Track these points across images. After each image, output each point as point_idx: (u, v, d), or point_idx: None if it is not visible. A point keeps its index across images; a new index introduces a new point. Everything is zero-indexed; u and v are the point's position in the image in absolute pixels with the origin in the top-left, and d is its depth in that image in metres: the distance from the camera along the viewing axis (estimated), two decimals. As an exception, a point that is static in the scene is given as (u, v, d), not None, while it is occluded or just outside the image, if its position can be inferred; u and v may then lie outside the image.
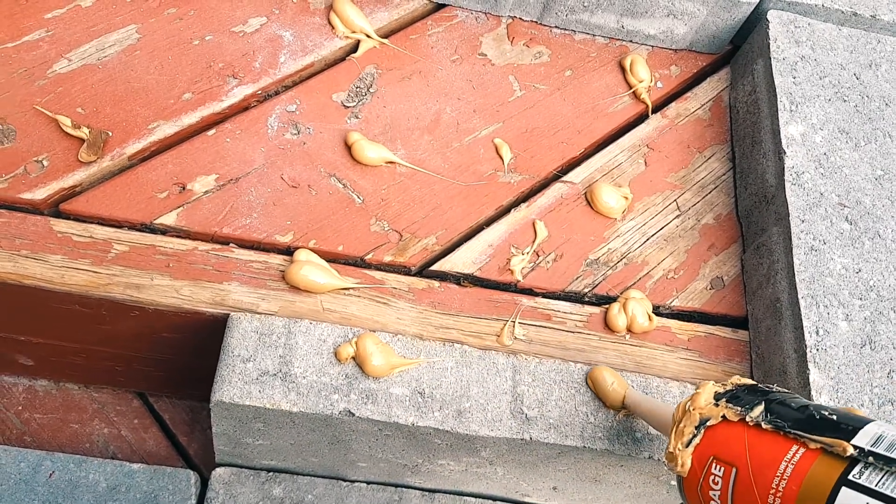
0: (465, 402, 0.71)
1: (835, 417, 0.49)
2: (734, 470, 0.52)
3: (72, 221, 0.71)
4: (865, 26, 0.91)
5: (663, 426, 0.63)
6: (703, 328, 0.79)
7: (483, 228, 0.80)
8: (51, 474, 0.82)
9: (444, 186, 0.81)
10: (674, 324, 0.78)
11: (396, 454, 0.77)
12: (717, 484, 0.53)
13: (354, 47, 0.86)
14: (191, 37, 0.81)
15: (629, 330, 0.77)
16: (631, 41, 0.94)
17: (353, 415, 0.68)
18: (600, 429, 0.72)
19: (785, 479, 0.49)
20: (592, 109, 0.89)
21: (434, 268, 0.77)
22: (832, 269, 0.75)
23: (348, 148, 0.79)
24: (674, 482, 0.73)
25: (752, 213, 0.83)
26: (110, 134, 0.74)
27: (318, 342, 0.70)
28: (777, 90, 0.83)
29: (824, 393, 0.69)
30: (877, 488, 0.45)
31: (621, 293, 0.79)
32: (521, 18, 0.92)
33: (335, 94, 0.82)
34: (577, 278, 0.79)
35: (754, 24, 0.91)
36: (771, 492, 0.49)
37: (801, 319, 0.72)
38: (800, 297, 0.73)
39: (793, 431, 0.50)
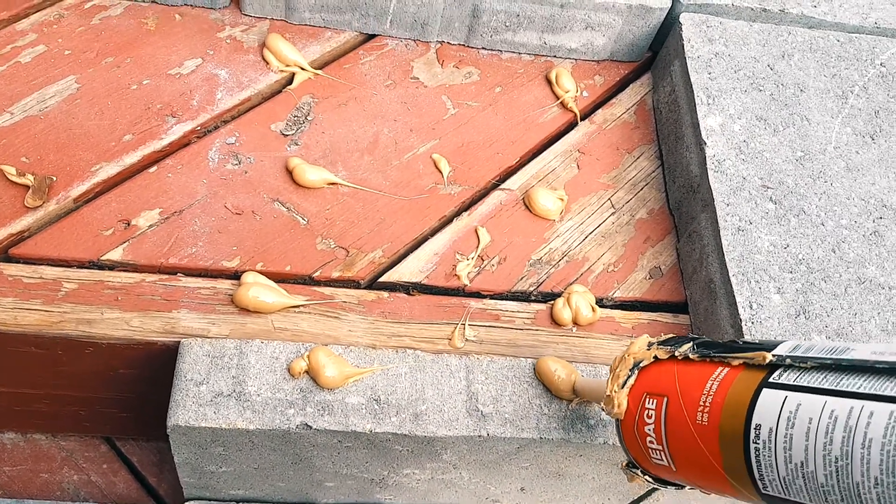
0: (422, 405, 0.72)
1: (757, 342, 0.52)
2: (665, 399, 0.54)
3: (21, 265, 0.73)
4: (775, 21, 0.96)
5: (595, 397, 0.66)
6: (645, 315, 0.81)
7: (428, 239, 0.82)
8: (19, 524, 0.82)
9: (387, 202, 0.83)
10: (617, 314, 0.81)
11: (360, 468, 0.78)
12: (650, 417, 0.55)
13: (290, 80, 0.89)
14: (129, 82, 0.84)
15: (575, 323, 0.79)
16: (555, 56, 0.98)
17: (311, 427, 0.69)
18: (555, 419, 0.74)
19: (711, 395, 0.51)
20: (524, 121, 0.93)
21: (382, 279, 0.79)
22: (760, 246, 0.78)
23: (289, 173, 0.82)
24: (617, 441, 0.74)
25: (682, 204, 0.87)
26: (55, 179, 0.76)
27: (270, 360, 0.72)
28: (693, 86, 0.87)
29: (762, 362, 0.72)
30: (794, 383, 0.47)
31: (565, 289, 0.81)
32: (448, 42, 0.96)
33: (274, 125, 0.85)
34: (521, 278, 0.82)
35: (669, 28, 0.96)
36: (699, 409, 0.51)
37: (734, 296, 0.75)
38: (731, 275, 0.76)
39: (718, 355, 0.53)
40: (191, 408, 0.68)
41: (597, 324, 0.80)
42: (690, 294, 0.83)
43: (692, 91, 0.87)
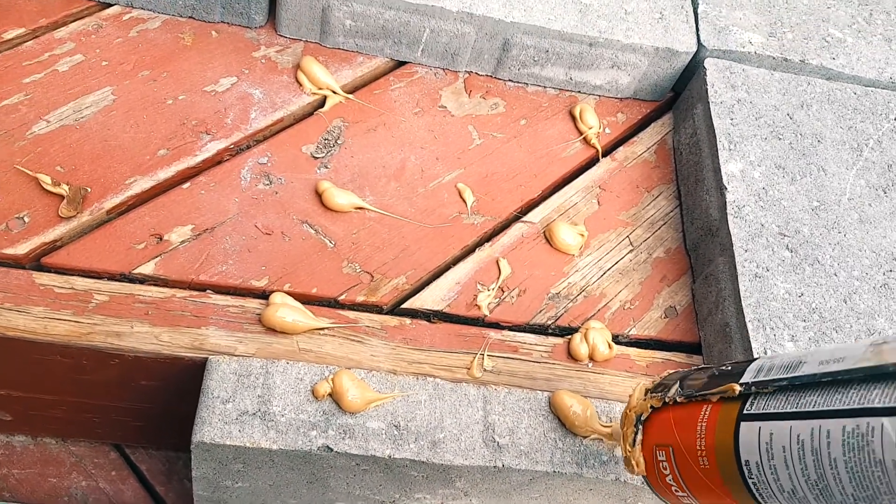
0: (440, 433, 0.74)
1: (729, 368, 0.54)
2: (670, 449, 0.56)
3: (53, 274, 0.74)
4: (796, 70, 0.99)
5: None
6: (660, 354, 0.83)
7: (450, 267, 0.84)
8: (30, 528, 0.82)
9: (412, 229, 0.85)
10: (633, 351, 0.83)
11: (374, 490, 0.79)
12: (666, 469, 0.57)
13: (321, 103, 0.90)
14: (164, 97, 0.85)
15: (591, 358, 0.81)
16: (579, 91, 1.00)
17: (332, 450, 0.71)
18: (568, 453, 0.75)
19: (703, 437, 0.52)
20: (547, 155, 0.94)
21: (405, 306, 0.80)
22: (776, 293, 0.80)
23: (319, 196, 0.83)
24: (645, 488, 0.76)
25: (699, 246, 0.89)
26: (89, 190, 0.77)
27: (295, 381, 0.73)
28: (716, 131, 0.90)
29: (775, 408, 0.73)
30: (763, 411, 0.48)
31: (582, 324, 0.83)
32: (476, 73, 0.98)
33: (305, 147, 0.87)
34: (540, 311, 0.83)
35: (693, 71, 0.98)
36: (698, 453, 0.53)
37: (749, 342, 0.77)
38: (747, 320, 0.78)
39: (699, 394, 0.54)
40: (216, 425, 0.69)
41: (612, 360, 0.81)
42: (704, 336, 0.84)
43: (715, 136, 0.89)
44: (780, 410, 0.47)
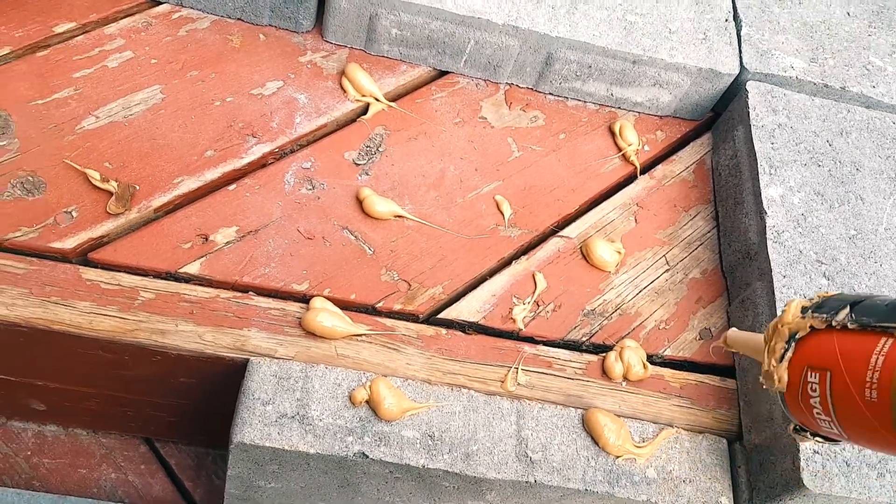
0: (473, 445, 0.74)
1: None
2: (828, 374, 0.53)
3: (100, 270, 0.75)
4: (836, 97, 0.99)
5: (759, 353, 0.64)
6: (693, 376, 0.83)
7: (486, 279, 0.85)
8: (61, 518, 0.83)
9: (450, 239, 0.85)
10: (667, 372, 0.83)
11: (404, 498, 0.80)
12: (814, 391, 0.54)
13: (364, 110, 0.91)
14: (212, 98, 0.86)
15: (625, 377, 0.81)
16: (619, 107, 1.00)
17: (367, 456, 0.71)
18: (601, 472, 0.76)
19: (878, 371, 0.49)
20: (585, 170, 0.95)
21: (441, 316, 0.81)
22: (812, 320, 0.80)
23: (360, 202, 0.84)
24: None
25: (736, 269, 0.89)
26: (137, 188, 0.78)
27: (333, 386, 0.74)
28: (757, 155, 0.90)
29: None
30: None
31: (617, 342, 0.83)
32: (517, 85, 0.99)
33: (347, 153, 0.88)
34: (575, 327, 0.84)
35: (734, 93, 0.98)
36: (866, 385, 0.50)
37: (785, 367, 0.77)
38: (783, 346, 0.78)
39: (879, 325, 0.51)
40: (256, 426, 0.70)
41: (646, 380, 0.82)
42: (739, 359, 0.85)
43: (756, 160, 0.90)
44: None
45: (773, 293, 0.81)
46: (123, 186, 0.78)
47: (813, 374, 0.54)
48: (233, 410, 0.82)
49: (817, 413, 0.54)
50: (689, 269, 0.91)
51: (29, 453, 0.94)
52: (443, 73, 0.97)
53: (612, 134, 0.98)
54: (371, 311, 0.80)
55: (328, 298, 0.78)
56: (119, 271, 0.75)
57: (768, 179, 0.89)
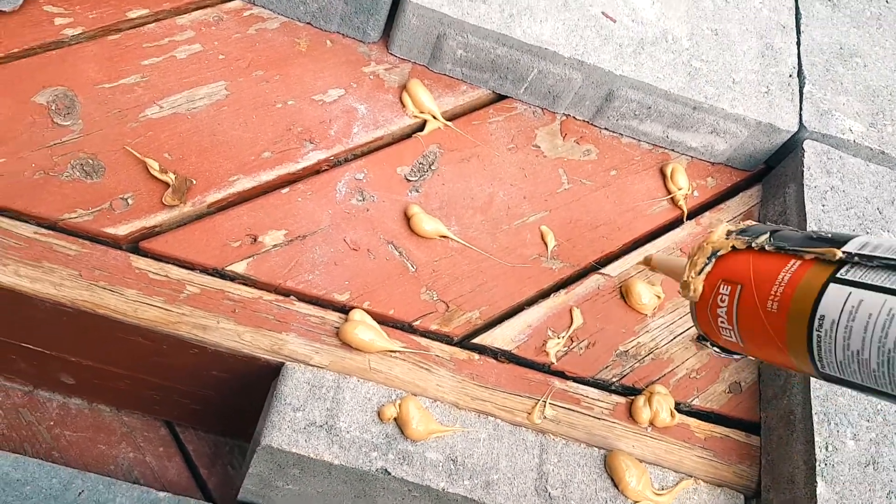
0: (494, 474, 0.75)
1: (829, 235, 0.56)
2: (739, 287, 0.59)
3: (150, 259, 0.76)
4: (891, 165, 0.98)
5: (680, 274, 0.69)
6: (719, 429, 0.83)
7: (524, 309, 0.85)
8: (80, 493, 0.85)
9: (491, 265, 0.86)
10: (692, 422, 0.83)
11: (417, 515, 0.81)
12: (723, 302, 0.60)
13: (421, 126, 0.92)
14: (275, 100, 0.87)
15: (651, 423, 0.81)
16: (673, 150, 1.00)
17: (389, 473, 0.72)
18: (617, 515, 0.76)
19: (782, 286, 0.55)
20: (633, 209, 0.95)
21: (475, 340, 0.82)
22: (844, 390, 0.80)
23: (407, 219, 0.85)
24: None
25: (773, 326, 0.89)
26: (194, 182, 0.80)
27: (363, 400, 0.74)
28: (807, 215, 0.89)
29: (831, 507, 0.74)
30: (860, 280, 0.52)
31: (646, 386, 0.84)
32: (574, 117, 0.99)
33: (400, 168, 0.88)
34: (606, 367, 0.84)
35: (789, 149, 0.98)
36: (770, 297, 0.56)
37: (812, 434, 0.77)
38: (813, 412, 0.78)
39: (792, 248, 0.57)
40: (285, 432, 0.71)
41: (672, 428, 0.82)
42: (766, 418, 0.85)
43: (805, 219, 0.89)
44: (879, 284, 0.51)
45: (810, 358, 0.81)
46: (181, 179, 0.79)
47: (725, 287, 0.61)
48: (257, 407, 0.83)
49: (721, 322, 0.61)
50: (725, 320, 0.91)
51: (52, 423, 0.96)
52: (502, 98, 0.98)
53: (663, 176, 0.98)
54: (407, 328, 0.81)
55: (367, 311, 0.79)
56: (168, 263, 0.76)
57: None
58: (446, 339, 0.82)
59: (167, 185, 0.79)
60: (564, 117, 0.99)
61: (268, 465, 0.76)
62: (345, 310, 0.79)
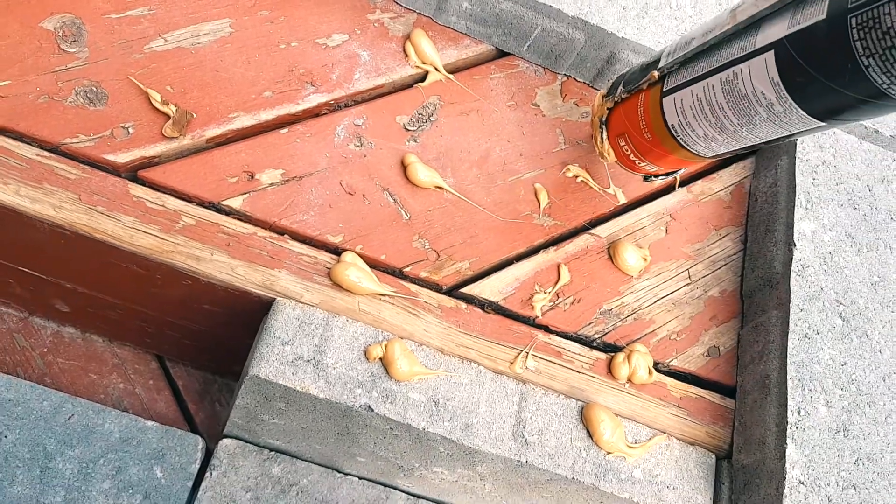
0: (474, 417, 0.77)
1: (651, 61, 0.76)
2: (626, 135, 0.79)
3: (147, 188, 0.77)
4: (884, 144, 0.99)
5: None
6: (694, 390, 0.86)
7: (513, 263, 0.86)
8: (70, 416, 0.87)
9: (484, 218, 0.87)
10: (669, 381, 0.85)
11: (397, 455, 0.83)
12: (627, 151, 0.80)
13: (422, 77, 0.93)
14: (278, 40, 0.88)
15: (629, 380, 0.83)
16: (670, 117, 1.01)
17: (372, 410, 0.74)
18: (590, 464, 0.78)
19: (643, 118, 0.75)
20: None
21: (463, 290, 0.83)
22: (821, 357, 0.82)
23: (404, 168, 0.86)
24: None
25: (755, 294, 0.91)
26: (195, 115, 0.81)
27: (351, 339, 0.76)
28: (797, 188, 0.91)
29: (797, 467, 0.76)
30: (674, 86, 0.71)
31: (627, 345, 0.86)
32: (575, 79, 1.00)
33: (399, 117, 0.89)
34: (589, 324, 0.86)
35: (785, 123, 0.99)
36: (642, 130, 0.76)
37: (786, 398, 0.79)
38: (788, 377, 0.80)
39: (635, 87, 0.76)
40: (273, 364, 0.73)
41: (648, 386, 0.84)
42: (742, 382, 0.87)
43: (794, 192, 0.91)
44: (683, 81, 0.69)
45: (788, 324, 0.83)
46: (181, 112, 0.80)
47: (621, 140, 0.80)
48: (247, 345, 0.85)
49: (637, 163, 0.81)
50: (709, 286, 0.93)
51: (45, 350, 0.98)
52: (504, 54, 0.98)
53: (658, 142, 0.99)
54: (398, 273, 0.82)
55: (359, 255, 0.80)
56: (165, 193, 0.77)
57: (803, 213, 0.90)
58: (435, 287, 0.83)
59: (168, 116, 0.80)
60: (565, 78, 1.00)
61: (255, 398, 0.78)
62: (337, 251, 0.80)
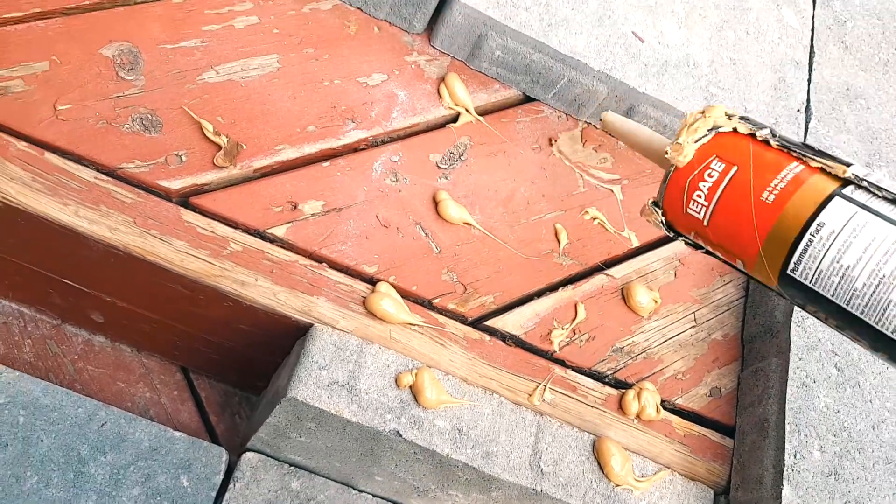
0: (494, 446, 0.82)
1: (832, 153, 0.57)
2: (734, 168, 0.58)
3: (198, 214, 0.81)
4: (880, 203, 1.06)
5: (646, 146, 0.68)
6: (697, 428, 0.91)
7: (533, 298, 0.92)
8: (103, 424, 0.90)
9: (508, 254, 0.93)
10: (675, 419, 0.91)
11: (416, 477, 0.88)
12: (711, 177, 0.59)
13: (454, 118, 0.98)
14: (322, 77, 0.93)
15: (638, 416, 0.89)
16: (683, 166, 1.07)
17: (401, 435, 0.79)
18: (600, 496, 0.83)
19: (784, 182, 0.56)
20: (640, 218, 1.02)
21: (488, 323, 0.88)
22: (816, 405, 0.88)
23: (435, 203, 0.91)
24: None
25: (756, 341, 0.97)
26: (244, 146, 0.85)
27: (383, 366, 0.81)
28: (800, 242, 0.97)
29: (792, 507, 0.82)
30: (866, 203, 0.53)
31: (636, 382, 0.91)
32: (594, 126, 1.05)
33: (432, 155, 0.94)
34: (602, 360, 0.91)
35: (789, 179, 1.05)
36: (768, 188, 0.56)
37: (783, 441, 0.85)
38: (786, 422, 0.86)
39: (797, 151, 0.57)
40: (310, 387, 0.77)
41: (656, 422, 0.89)
42: (740, 423, 0.92)
43: (797, 246, 0.97)
44: (886, 214, 0.52)
45: (787, 372, 0.88)
46: (232, 143, 0.85)
47: (718, 163, 0.59)
48: (274, 363, 0.90)
49: (697, 196, 0.60)
50: (713, 329, 0.98)
51: (76, 357, 1.01)
52: (531, 100, 1.04)
53: (670, 190, 1.05)
54: (427, 304, 0.87)
55: (392, 285, 0.85)
56: (214, 220, 0.82)
57: (805, 267, 0.96)
58: (461, 319, 0.88)
59: (219, 147, 0.84)
60: (586, 125, 1.05)
61: (287, 417, 0.82)
62: (372, 281, 0.85)
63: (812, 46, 1.14)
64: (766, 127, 0.60)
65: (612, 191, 1.02)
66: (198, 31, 0.91)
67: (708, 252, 0.63)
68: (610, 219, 1.00)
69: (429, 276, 0.88)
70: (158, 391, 1.03)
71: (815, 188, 0.55)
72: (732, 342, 0.99)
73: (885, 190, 0.54)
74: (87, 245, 0.79)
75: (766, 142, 0.59)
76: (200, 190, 0.83)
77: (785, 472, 0.83)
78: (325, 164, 0.89)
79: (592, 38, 0.99)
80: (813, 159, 0.56)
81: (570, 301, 0.93)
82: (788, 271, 0.55)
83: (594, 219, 0.99)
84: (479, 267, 0.91)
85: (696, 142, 0.60)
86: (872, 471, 0.87)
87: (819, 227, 0.53)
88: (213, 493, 0.91)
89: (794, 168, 0.56)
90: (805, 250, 0.53)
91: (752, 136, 0.60)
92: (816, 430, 0.87)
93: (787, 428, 0.85)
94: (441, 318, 0.87)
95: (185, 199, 0.82)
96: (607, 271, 0.97)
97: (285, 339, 0.85)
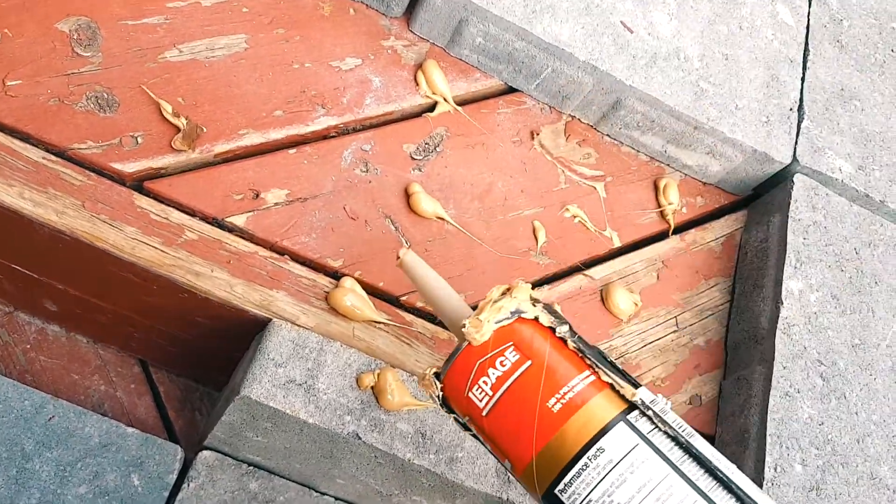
0: (459, 452, 0.78)
1: (621, 369, 0.57)
2: (528, 362, 0.56)
3: (152, 200, 0.77)
4: (873, 208, 1.02)
5: (443, 306, 0.66)
6: (675, 438, 0.87)
7: (507, 299, 0.87)
8: (51, 418, 0.86)
9: (482, 252, 0.88)
10: (652, 428, 0.87)
11: (378, 481, 0.83)
12: (503, 366, 0.56)
13: (431, 107, 0.94)
14: (292, 60, 0.88)
15: (613, 423, 0.84)
16: (669, 165, 1.03)
17: (360, 438, 0.75)
18: (569, 505, 0.79)
19: (573, 392, 0.54)
20: (623, 217, 0.98)
21: (457, 323, 0.84)
22: (800, 416, 0.84)
23: (407, 196, 0.87)
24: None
25: (740, 348, 0.93)
26: (205, 129, 0.81)
27: (344, 365, 0.77)
28: (788, 246, 0.93)
29: (771, 524, 0.78)
30: (649, 437, 0.52)
31: (613, 388, 0.87)
32: (579, 119, 1.01)
33: (406, 145, 0.90)
34: (577, 365, 0.87)
35: (779, 180, 1.01)
36: (556, 396, 0.54)
37: (764, 453, 0.81)
38: (767, 433, 0.82)
39: (591, 359, 0.56)
40: (265, 385, 0.73)
41: (631, 431, 0.85)
42: (721, 433, 0.88)
43: (785, 250, 0.93)
44: (666, 454, 0.52)
45: (771, 381, 0.85)
46: (192, 125, 0.80)
47: (514, 353, 0.57)
48: (234, 357, 0.85)
49: (483, 382, 0.57)
50: (695, 335, 0.94)
51: (28, 346, 0.97)
52: (513, 90, 1.00)
53: (656, 189, 1.01)
54: (394, 302, 0.83)
55: (358, 280, 0.81)
56: (170, 206, 0.77)
57: (792, 272, 0.92)
58: (430, 318, 0.84)
59: (178, 129, 0.80)
60: (570, 118, 1.01)
61: (241, 415, 0.78)
62: (336, 276, 0.81)
63: (807, 44, 1.10)
64: (566, 323, 0.58)
65: (595, 188, 0.98)
66: (161, 8, 0.86)
67: (475, 438, 0.60)
68: (591, 217, 0.96)
69: (398, 272, 0.83)
70: (115, 384, 0.98)
71: (601, 408, 0.54)
72: (716, 348, 0.95)
73: (668, 424, 0.53)
74: (32, 229, 0.75)
75: (563, 340, 0.57)
76: (156, 174, 0.78)
77: (764, 487, 0.79)
78: (292, 151, 0.84)
79: (578, 27, 0.94)
80: (605, 372, 0.55)
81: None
82: (556, 490, 0.52)
83: (575, 217, 0.95)
84: (451, 264, 0.86)
85: (497, 322, 0.58)
86: (856, 486, 0.84)
87: (598, 453, 0.51)
88: (166, 493, 0.87)
89: (586, 378, 0.55)
90: (579, 474, 0.51)
91: (553, 330, 0.58)
92: (799, 443, 0.83)
93: (769, 440, 0.82)
94: (408, 317, 0.82)
95: (139, 184, 0.78)
96: (586, 272, 0.93)
97: (244, 333, 0.81)
